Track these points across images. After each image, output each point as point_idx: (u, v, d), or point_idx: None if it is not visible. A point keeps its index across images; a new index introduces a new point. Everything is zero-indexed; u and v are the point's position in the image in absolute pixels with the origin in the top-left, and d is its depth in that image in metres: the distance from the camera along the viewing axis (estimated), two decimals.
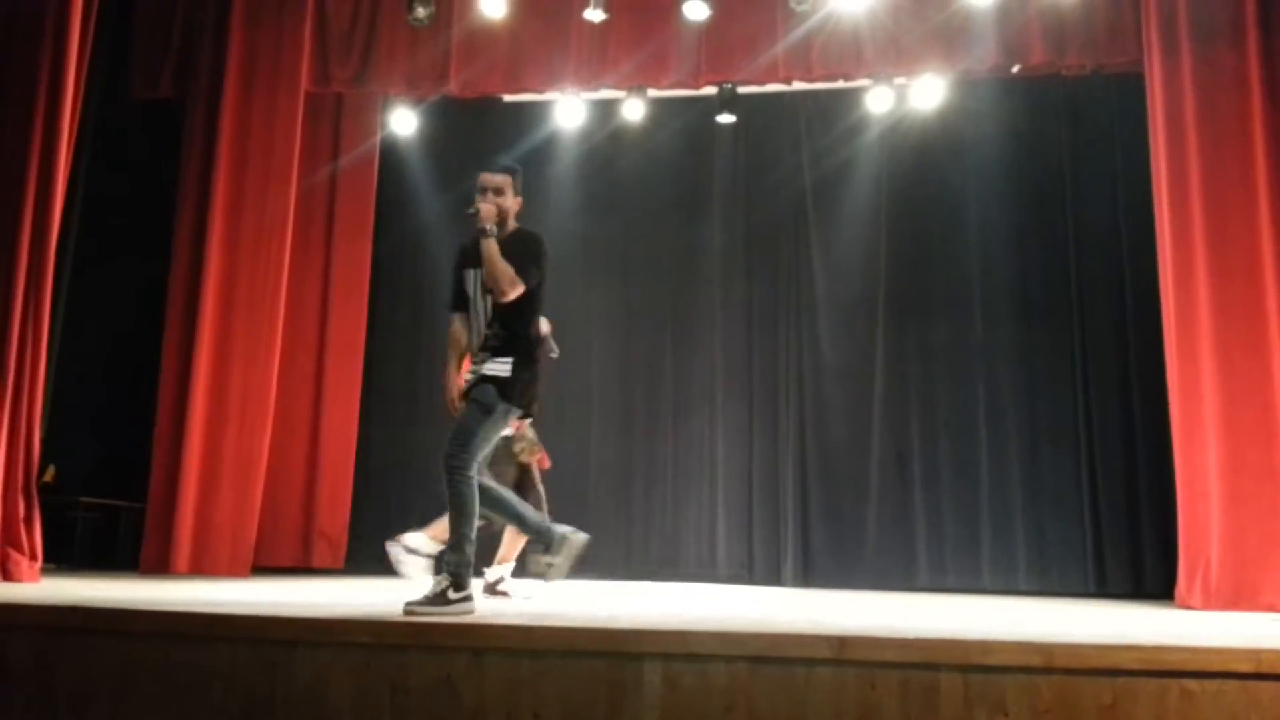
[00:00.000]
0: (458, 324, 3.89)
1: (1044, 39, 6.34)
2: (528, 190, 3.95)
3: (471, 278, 3.82)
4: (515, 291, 3.68)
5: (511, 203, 3.84)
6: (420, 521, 7.74)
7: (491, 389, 3.66)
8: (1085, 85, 7.09)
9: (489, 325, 3.77)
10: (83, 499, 6.96)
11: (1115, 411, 7.00)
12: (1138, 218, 6.57)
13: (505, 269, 3.65)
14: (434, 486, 7.92)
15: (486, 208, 3.73)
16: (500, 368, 3.70)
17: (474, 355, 3.81)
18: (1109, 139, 7.19)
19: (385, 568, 7.47)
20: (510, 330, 3.75)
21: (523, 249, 3.75)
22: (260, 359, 6.70)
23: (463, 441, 3.62)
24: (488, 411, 3.65)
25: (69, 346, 6.45)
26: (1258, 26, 5.73)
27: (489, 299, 3.76)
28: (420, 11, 6.72)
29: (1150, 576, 6.60)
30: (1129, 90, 6.49)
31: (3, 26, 5.55)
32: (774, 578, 7.23)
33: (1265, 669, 2.76)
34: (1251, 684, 2.75)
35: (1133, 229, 6.88)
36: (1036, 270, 7.34)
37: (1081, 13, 6.27)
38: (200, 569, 6.37)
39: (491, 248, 3.66)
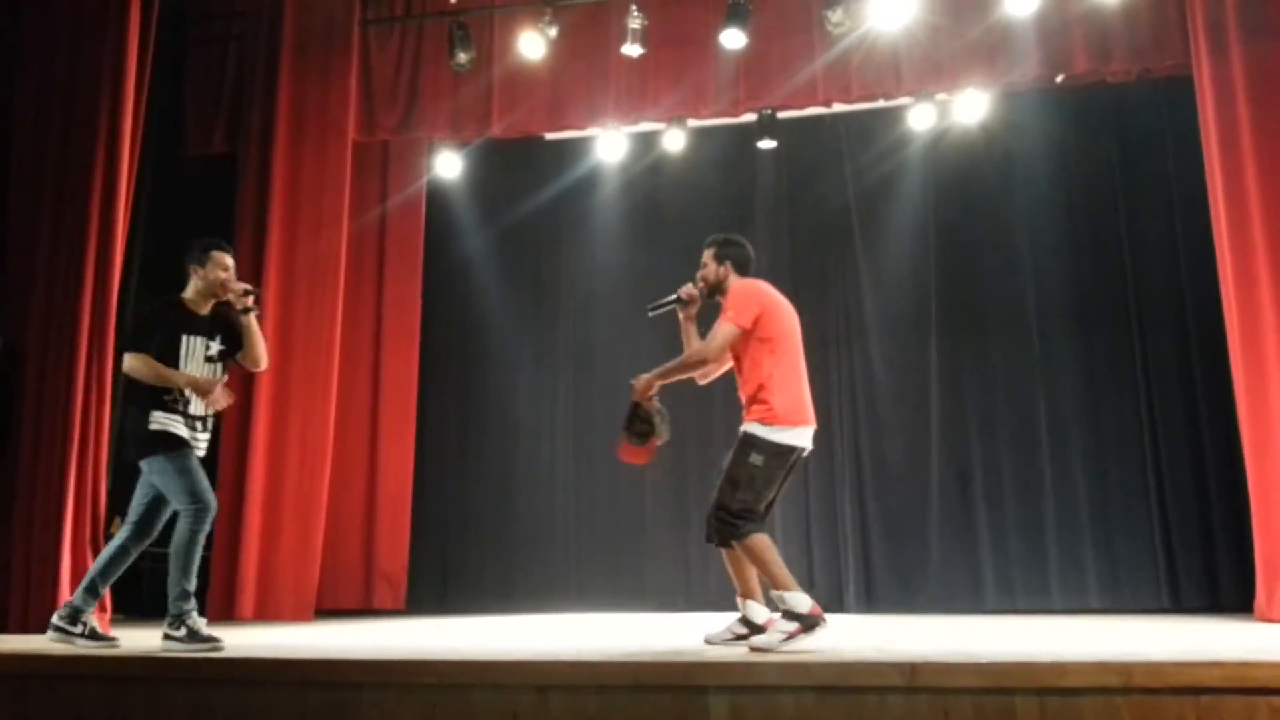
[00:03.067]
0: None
1: (1087, 47, 6.25)
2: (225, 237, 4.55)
3: (189, 346, 4.19)
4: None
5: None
6: (477, 562, 7.82)
7: None
8: (1132, 91, 6.97)
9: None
10: (152, 550, 7.07)
11: (1180, 421, 6.81)
12: (1194, 223, 6.41)
13: (262, 342, 4.38)
14: (489, 522, 7.96)
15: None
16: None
17: (203, 419, 4.20)
18: (1160, 145, 7.04)
19: (446, 607, 7.55)
20: None
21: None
22: (317, 402, 6.80)
23: None
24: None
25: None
26: None
27: (217, 368, 4.25)
28: (461, 57, 6.84)
29: (1226, 589, 6.37)
30: (1178, 94, 6.36)
31: (62, 94, 5.77)
32: (836, 604, 7.11)
33: None
34: None
35: (1189, 235, 6.71)
36: (1092, 281, 7.19)
37: (1124, 18, 6.17)
38: (265, 615, 6.44)
39: (256, 325, 4.32)
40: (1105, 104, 7.22)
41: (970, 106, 6.94)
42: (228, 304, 4.27)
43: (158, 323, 4.16)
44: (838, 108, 7.19)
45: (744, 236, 8.19)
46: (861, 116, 7.64)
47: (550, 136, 7.76)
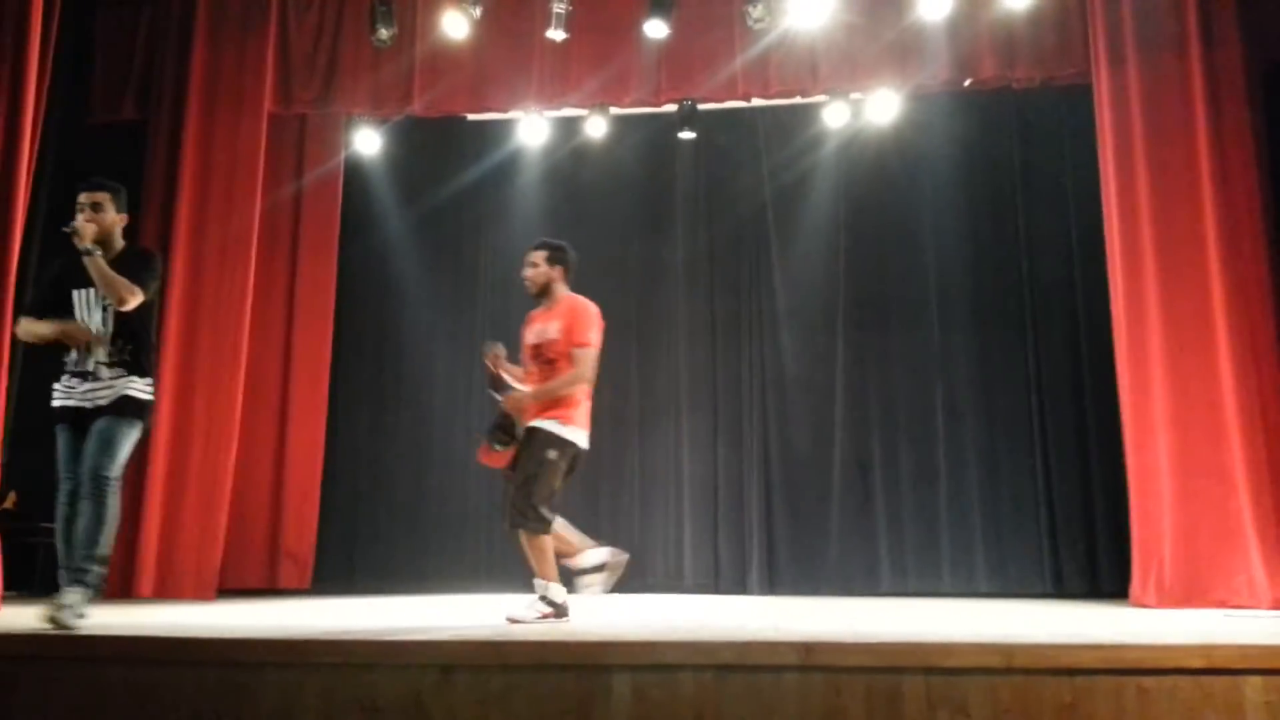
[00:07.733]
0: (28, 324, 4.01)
1: (994, 52, 6.47)
2: (133, 208, 4.19)
3: (81, 299, 3.95)
4: (134, 299, 3.86)
5: (114, 219, 4.02)
6: (387, 543, 7.77)
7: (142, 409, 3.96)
8: (1035, 98, 7.22)
9: (114, 343, 3.93)
10: (45, 525, 6.86)
11: (1069, 414, 7.12)
12: (1088, 225, 6.70)
13: (119, 278, 3.83)
14: (400, 503, 7.89)
15: (87, 226, 3.86)
16: (146, 390, 3.96)
17: (90, 372, 3.92)
18: (1059, 150, 7.32)
19: (353, 587, 7.49)
20: (141, 345, 3.98)
21: (136, 264, 3.95)
22: (225, 378, 6.66)
23: (112, 454, 3.92)
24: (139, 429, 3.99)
25: (30, 371, 6.36)
26: (1199, 40, 5.89)
27: (108, 316, 3.92)
28: (383, 33, 6.75)
29: (1105, 576, 6.71)
30: (1078, 103, 6.63)
31: None
32: (740, 586, 7.28)
33: (1216, 664, 2.86)
34: (1204, 679, 2.84)
35: (1083, 236, 7.02)
36: (990, 279, 7.45)
37: (1030, 27, 6.40)
38: (165, 593, 6.30)
39: (98, 263, 3.80)
40: (1009, 110, 7.47)
41: (882, 107, 7.11)
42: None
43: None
44: (756, 102, 7.31)
45: (663, 226, 8.32)
46: (779, 112, 7.77)
47: (472, 118, 7.70)
